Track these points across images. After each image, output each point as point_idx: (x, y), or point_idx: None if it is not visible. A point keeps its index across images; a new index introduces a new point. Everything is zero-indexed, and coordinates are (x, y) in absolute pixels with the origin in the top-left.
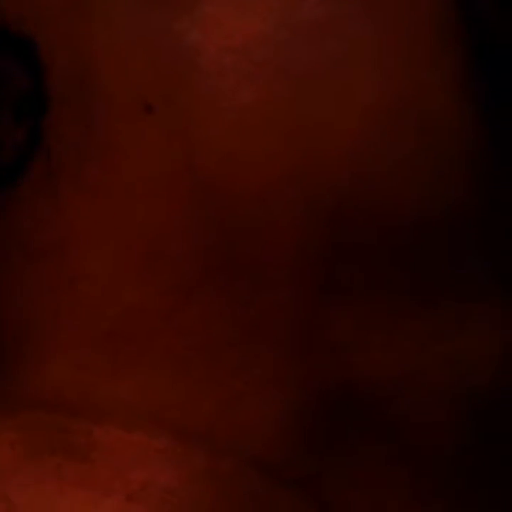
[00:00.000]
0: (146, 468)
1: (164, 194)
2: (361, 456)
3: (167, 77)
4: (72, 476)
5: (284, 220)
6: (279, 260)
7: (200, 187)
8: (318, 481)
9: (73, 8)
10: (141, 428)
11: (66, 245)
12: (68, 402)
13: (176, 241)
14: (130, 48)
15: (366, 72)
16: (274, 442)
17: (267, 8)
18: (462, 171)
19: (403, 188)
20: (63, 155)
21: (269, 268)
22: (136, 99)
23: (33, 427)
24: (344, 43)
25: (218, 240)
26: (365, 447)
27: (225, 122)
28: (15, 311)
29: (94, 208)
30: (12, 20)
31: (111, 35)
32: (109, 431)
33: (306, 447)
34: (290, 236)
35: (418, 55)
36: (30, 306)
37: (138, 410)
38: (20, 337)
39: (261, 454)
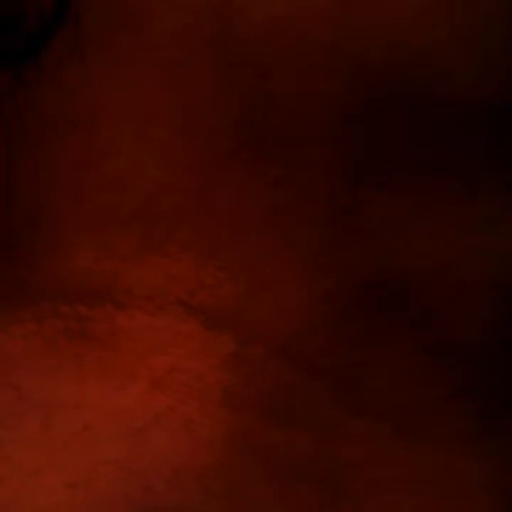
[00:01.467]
0: (171, 354)
1: (196, 62)
2: (394, 347)
3: None
4: (92, 364)
5: (322, 93)
6: (313, 137)
7: (237, 53)
8: (351, 371)
9: None
10: (167, 313)
11: (93, 119)
12: (90, 290)
13: (206, 113)
14: None
15: None
16: (304, 330)
17: None
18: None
19: (447, 65)
20: (92, 24)
21: (304, 146)
22: None
23: (51, 318)
24: None
25: (251, 114)
26: (398, 338)
27: None
28: (33, 190)
29: (122, 79)
30: None
31: None
32: (133, 316)
33: (338, 337)
34: (327, 111)
35: None
36: (50, 185)
37: (164, 295)
38: (38, 220)
39: (291, 341)
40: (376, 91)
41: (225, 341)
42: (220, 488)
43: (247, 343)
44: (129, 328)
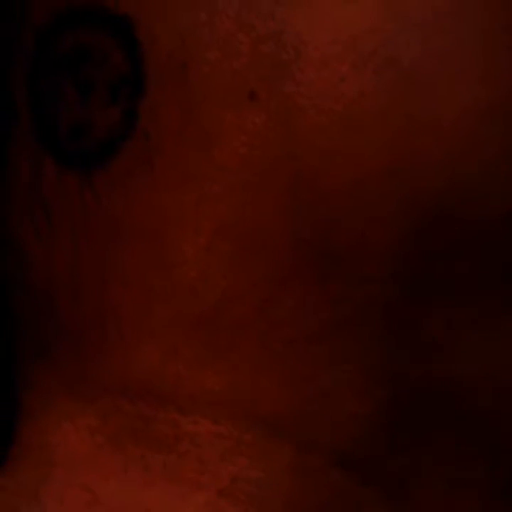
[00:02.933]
0: (235, 463)
1: (261, 183)
2: (441, 455)
3: (271, 64)
4: (159, 468)
5: (380, 216)
6: (372, 256)
7: (298, 178)
8: (403, 478)
9: None
10: (230, 421)
11: (161, 230)
12: (154, 390)
13: (270, 231)
14: (234, 32)
15: (472, 70)
16: (359, 440)
17: (374, 0)
18: None
19: (494, 187)
20: (160, 138)
21: (363, 264)
22: (239, 85)
23: (115, 414)
24: (451, 39)
25: (312, 233)
26: (445, 447)
27: (328, 113)
28: (100, 291)
29: (190, 193)
30: None
31: (214, 19)
32: (196, 422)
33: (390, 447)
34: (384, 232)
35: None
36: (117, 286)
37: (226, 402)
38: (104, 319)
39: (347, 451)
40: (426, 213)
41: (285, 451)
42: None
43: (306, 453)
44: (193, 434)
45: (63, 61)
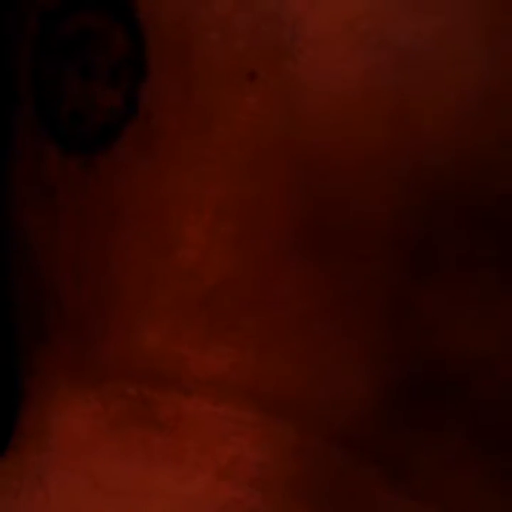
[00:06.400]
0: (235, 444)
1: (261, 163)
2: (441, 434)
3: (271, 44)
4: (160, 450)
5: (380, 194)
6: (373, 234)
7: (298, 157)
8: (405, 457)
9: None
10: (231, 402)
11: (162, 211)
12: (156, 373)
13: (271, 211)
14: (233, 13)
15: (470, 52)
16: (361, 419)
17: None
18: None
19: (496, 169)
20: (162, 120)
21: (363, 241)
22: (239, 66)
23: (117, 399)
24: (449, 19)
25: (313, 212)
26: (446, 425)
27: (327, 92)
28: (103, 274)
29: (191, 174)
30: None
31: (214, 1)
32: (198, 404)
33: (392, 425)
34: (385, 210)
35: None
36: (120, 269)
37: (228, 383)
38: (109, 305)
39: (348, 430)
40: (426, 191)
41: (286, 431)
42: None
43: (307, 433)
44: (194, 415)
45: (66, 45)
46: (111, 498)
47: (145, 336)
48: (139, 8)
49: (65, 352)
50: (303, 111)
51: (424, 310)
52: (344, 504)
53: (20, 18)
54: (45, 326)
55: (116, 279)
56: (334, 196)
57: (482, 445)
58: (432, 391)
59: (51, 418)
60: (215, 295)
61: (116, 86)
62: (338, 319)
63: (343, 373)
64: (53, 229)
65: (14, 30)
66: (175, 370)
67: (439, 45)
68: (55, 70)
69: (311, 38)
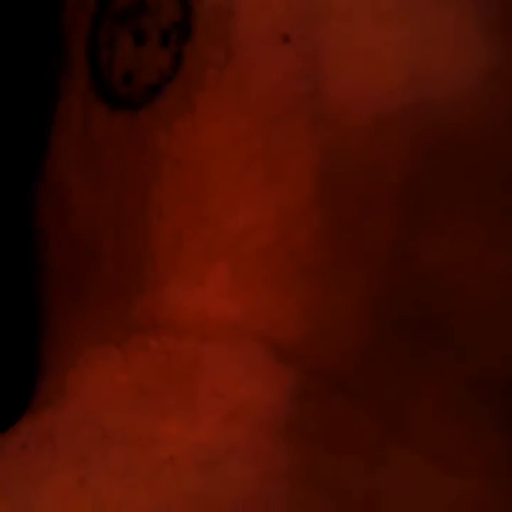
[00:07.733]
0: (247, 387)
1: (289, 118)
2: (440, 380)
3: (303, 12)
4: (174, 399)
5: (394, 150)
6: (384, 190)
7: (322, 115)
8: (401, 404)
9: None
10: (246, 347)
11: (197, 163)
12: (178, 323)
13: (293, 163)
14: None
15: (489, 30)
16: (362, 367)
17: None
18: None
19: (498, 135)
20: (202, 79)
21: (375, 197)
22: (274, 29)
23: (139, 353)
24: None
25: (332, 167)
26: (443, 372)
27: (352, 57)
28: (142, 232)
29: (227, 129)
30: None
31: None
32: (213, 349)
33: (391, 374)
34: (392, 167)
35: None
36: (156, 225)
37: (243, 328)
38: (144, 261)
39: (349, 377)
40: (433, 153)
41: (291, 376)
42: None
43: (312, 378)
44: (209, 361)
45: (122, 15)
46: (118, 446)
47: (171, 286)
48: None
49: (96, 314)
50: (329, 71)
51: (426, 260)
52: (341, 448)
53: None
54: (79, 292)
55: (151, 232)
56: (353, 151)
57: (481, 393)
58: (431, 341)
59: (71, 380)
60: (237, 244)
61: (165, 48)
62: (346, 271)
63: (346, 321)
64: (97, 191)
65: (73, 6)
66: (195, 319)
67: (448, 28)
68: (109, 37)
69: (339, 11)
